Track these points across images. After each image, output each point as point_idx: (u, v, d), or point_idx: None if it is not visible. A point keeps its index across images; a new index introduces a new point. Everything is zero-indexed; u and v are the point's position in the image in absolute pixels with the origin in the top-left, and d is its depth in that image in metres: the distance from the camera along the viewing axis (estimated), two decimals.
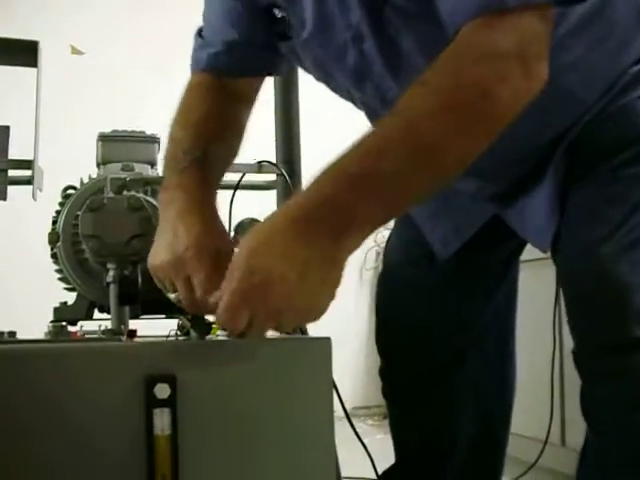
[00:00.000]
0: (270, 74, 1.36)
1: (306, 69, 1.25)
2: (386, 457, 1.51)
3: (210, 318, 1.16)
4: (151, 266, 1.07)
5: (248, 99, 1.31)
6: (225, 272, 0.92)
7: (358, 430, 1.46)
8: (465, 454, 1.44)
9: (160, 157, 1.67)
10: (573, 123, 1.11)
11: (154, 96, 3.54)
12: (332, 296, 0.93)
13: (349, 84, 1.19)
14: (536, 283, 1.85)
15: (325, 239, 0.88)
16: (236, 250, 0.93)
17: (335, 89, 1.24)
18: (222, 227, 1.12)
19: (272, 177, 1.99)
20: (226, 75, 1.29)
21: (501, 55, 0.89)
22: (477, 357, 1.42)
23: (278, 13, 1.19)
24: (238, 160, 1.52)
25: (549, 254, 1.18)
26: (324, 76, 1.22)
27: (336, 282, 0.92)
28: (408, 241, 1.45)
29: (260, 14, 1.21)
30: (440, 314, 1.40)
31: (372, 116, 1.24)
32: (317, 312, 0.93)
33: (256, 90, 1.33)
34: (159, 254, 1.06)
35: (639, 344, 1.01)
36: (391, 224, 1.49)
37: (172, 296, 1.06)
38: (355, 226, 0.89)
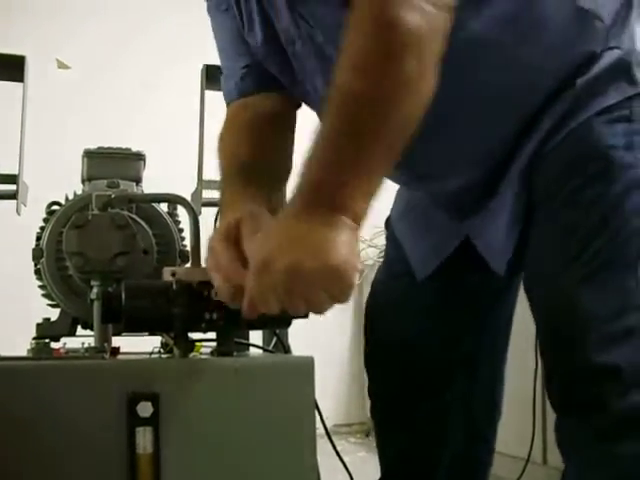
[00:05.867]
0: None
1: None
2: (367, 475, 1.51)
3: (193, 336, 1.16)
4: None
5: (285, 118, 1.32)
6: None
7: (339, 448, 1.46)
8: (450, 472, 1.44)
9: (145, 174, 1.68)
10: (524, 130, 1.11)
11: (141, 112, 3.55)
12: (347, 256, 0.89)
13: (299, 91, 1.23)
14: (517, 302, 1.86)
15: (324, 212, 0.90)
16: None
17: (301, 97, 1.27)
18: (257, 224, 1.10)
19: None
20: (257, 94, 1.31)
21: None
22: (467, 376, 1.42)
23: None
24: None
25: None
26: (285, 81, 1.25)
27: (345, 243, 0.90)
28: (394, 261, 1.46)
29: None
30: (425, 332, 1.40)
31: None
32: (334, 272, 0.89)
33: (293, 105, 1.33)
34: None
35: (605, 372, 1.00)
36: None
37: (214, 290, 1.05)
38: (346, 196, 0.90)
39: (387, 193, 1.49)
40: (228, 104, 1.36)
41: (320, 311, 0.94)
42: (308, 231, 0.90)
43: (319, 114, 1.20)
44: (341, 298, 0.91)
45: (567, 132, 1.08)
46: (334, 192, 0.90)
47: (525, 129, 1.11)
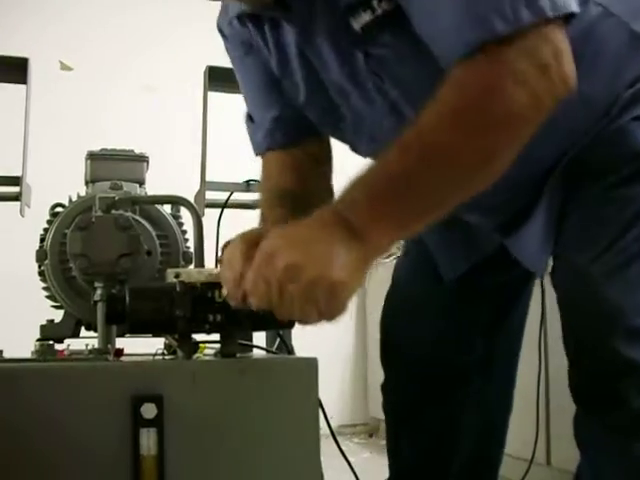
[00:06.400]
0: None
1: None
2: (372, 476, 1.51)
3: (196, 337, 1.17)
4: None
5: (321, 155, 1.32)
6: None
7: (344, 448, 1.46)
8: (462, 473, 1.44)
9: (148, 176, 1.68)
10: (568, 149, 1.10)
11: (144, 114, 3.55)
12: (349, 280, 0.89)
13: (350, 138, 1.21)
14: None
15: (345, 231, 0.89)
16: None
17: (344, 142, 1.26)
18: None
19: None
20: (285, 147, 1.31)
21: (509, 62, 0.87)
22: (482, 377, 1.41)
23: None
24: (226, 179, 1.53)
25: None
26: (328, 131, 1.25)
27: (353, 267, 0.89)
28: (416, 259, 1.45)
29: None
30: (444, 332, 1.39)
31: None
32: (330, 286, 0.88)
33: (327, 147, 1.33)
34: None
35: (629, 367, 1.00)
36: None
37: (224, 291, 1.05)
38: (370, 222, 0.89)
39: None
40: (257, 154, 1.35)
41: (306, 321, 0.93)
42: (323, 241, 0.89)
43: (366, 156, 1.20)
44: (328, 316, 0.90)
45: (606, 132, 1.08)
46: (364, 219, 0.89)
47: (571, 145, 1.11)
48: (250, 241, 0.99)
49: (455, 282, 1.35)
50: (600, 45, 1.06)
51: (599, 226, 1.07)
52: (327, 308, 0.89)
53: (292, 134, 1.29)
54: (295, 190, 1.24)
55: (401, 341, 1.43)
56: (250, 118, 1.35)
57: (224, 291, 1.04)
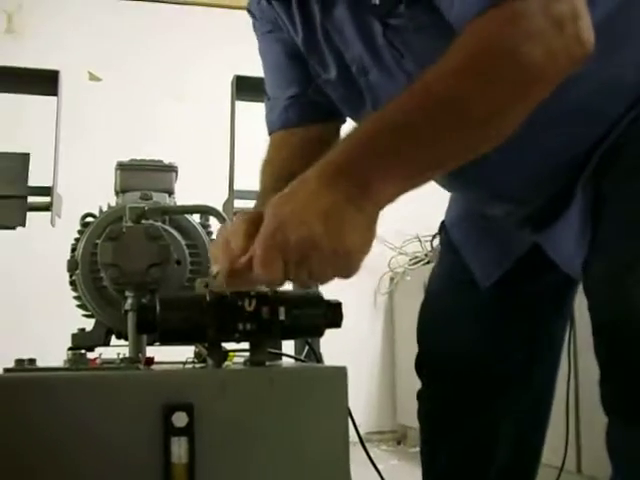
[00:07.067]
0: (342, 117, 1.35)
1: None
2: None
3: (227, 346, 1.18)
4: None
5: (329, 141, 1.30)
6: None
7: (371, 455, 1.46)
8: None
9: (177, 186, 1.70)
10: (600, 139, 1.08)
11: (172, 124, 3.58)
12: (362, 241, 0.89)
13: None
14: None
15: (350, 186, 0.87)
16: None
17: None
18: None
19: None
20: (299, 127, 1.32)
21: (525, 16, 0.85)
22: (521, 387, 1.39)
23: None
24: (254, 187, 1.53)
25: None
26: (350, 113, 1.24)
27: (364, 227, 0.89)
28: (451, 267, 1.44)
29: (304, 62, 1.24)
30: (482, 342, 1.38)
31: None
32: (346, 255, 0.88)
33: (336, 131, 1.34)
34: None
35: None
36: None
37: (213, 268, 1.05)
38: (377, 176, 0.88)
39: (419, 202, 1.50)
40: (270, 133, 1.36)
41: (322, 283, 0.94)
42: (331, 206, 0.87)
43: None
44: (345, 276, 0.90)
45: (637, 132, 1.06)
46: (369, 172, 0.88)
47: (603, 135, 1.08)
48: (252, 221, 0.98)
49: (493, 291, 1.34)
50: (631, 26, 1.05)
51: (634, 232, 1.03)
52: (343, 273, 0.90)
53: (308, 113, 1.30)
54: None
55: (438, 350, 1.42)
56: (268, 98, 1.36)
57: (214, 269, 1.03)
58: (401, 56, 1.06)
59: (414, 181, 0.91)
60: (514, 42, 0.86)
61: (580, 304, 1.13)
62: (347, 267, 0.89)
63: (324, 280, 0.92)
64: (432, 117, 0.88)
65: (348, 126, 1.26)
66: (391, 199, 0.90)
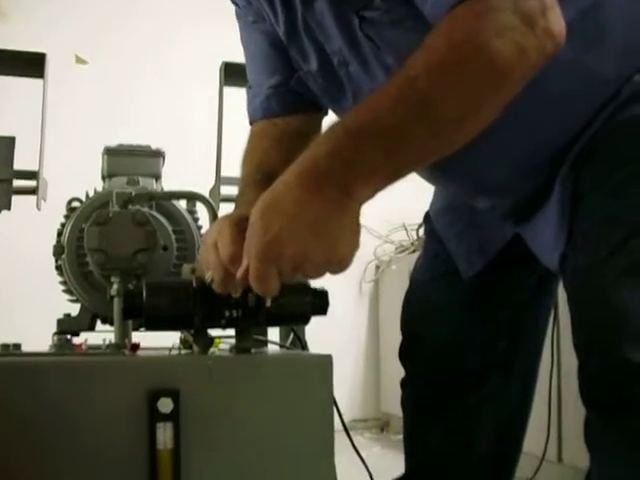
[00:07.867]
0: (323, 109, 1.36)
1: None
2: (383, 470, 1.51)
3: (212, 333, 1.18)
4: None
5: (309, 133, 1.31)
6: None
7: (355, 443, 1.46)
8: (476, 472, 1.43)
9: (164, 171, 1.69)
10: (579, 133, 1.09)
11: (159, 109, 3.56)
12: (352, 244, 0.92)
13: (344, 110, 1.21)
14: None
15: (334, 190, 0.89)
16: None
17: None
18: None
19: None
20: (280, 117, 1.32)
21: (495, 12, 0.86)
22: (502, 377, 1.40)
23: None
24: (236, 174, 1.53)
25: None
26: (331, 105, 1.24)
27: (352, 228, 0.91)
28: (434, 257, 1.45)
29: (287, 53, 1.24)
30: (464, 332, 1.39)
31: None
32: (339, 261, 0.91)
33: (318, 124, 1.34)
34: None
35: (633, 373, 0.96)
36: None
37: (208, 275, 1.05)
38: (360, 177, 0.89)
39: (405, 191, 1.50)
40: (251, 123, 1.36)
41: (315, 279, 0.97)
42: (320, 216, 0.89)
43: None
44: (338, 274, 0.93)
45: (620, 121, 1.06)
46: (351, 174, 0.89)
47: (581, 129, 1.09)
48: (237, 224, 1.00)
49: (476, 281, 1.35)
50: (608, 21, 1.05)
51: (609, 225, 1.04)
52: (336, 273, 0.93)
53: (290, 103, 1.30)
54: (279, 170, 1.23)
55: (422, 340, 1.43)
56: (249, 87, 1.36)
57: (208, 275, 1.04)
58: (378, 49, 1.07)
59: (394, 178, 0.93)
60: (484, 38, 0.87)
61: (563, 295, 1.14)
62: (340, 269, 0.93)
63: (317, 277, 0.95)
64: (406, 117, 0.89)
65: (330, 119, 1.26)
66: (372, 195, 0.92)
